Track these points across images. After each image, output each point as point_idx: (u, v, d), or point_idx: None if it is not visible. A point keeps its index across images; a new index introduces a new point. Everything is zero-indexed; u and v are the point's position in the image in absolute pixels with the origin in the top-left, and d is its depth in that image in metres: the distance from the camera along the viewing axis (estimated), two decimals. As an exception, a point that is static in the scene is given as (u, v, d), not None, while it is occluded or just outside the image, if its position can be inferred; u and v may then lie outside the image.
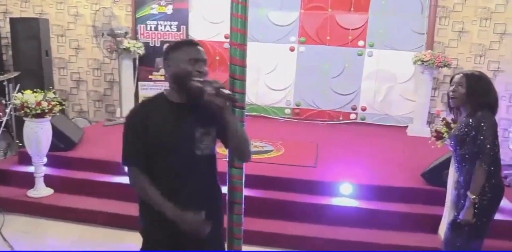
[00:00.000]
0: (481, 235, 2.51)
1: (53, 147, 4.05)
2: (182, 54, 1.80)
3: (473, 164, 2.40)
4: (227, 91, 1.78)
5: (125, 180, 3.96)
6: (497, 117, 6.05)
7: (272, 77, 6.36)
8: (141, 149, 1.78)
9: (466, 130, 2.40)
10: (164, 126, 1.78)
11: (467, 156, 2.44)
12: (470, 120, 2.39)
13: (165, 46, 1.91)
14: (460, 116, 2.54)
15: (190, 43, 1.86)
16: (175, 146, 1.79)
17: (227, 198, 2.21)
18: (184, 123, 1.79)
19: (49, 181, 4.01)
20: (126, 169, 1.84)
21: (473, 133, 2.36)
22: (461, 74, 2.48)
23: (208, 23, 6.36)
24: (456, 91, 2.45)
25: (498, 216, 3.53)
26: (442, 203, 3.40)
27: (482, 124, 2.34)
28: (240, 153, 1.95)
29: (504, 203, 3.76)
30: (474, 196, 2.37)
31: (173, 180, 1.81)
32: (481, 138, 2.33)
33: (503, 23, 5.62)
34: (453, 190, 2.72)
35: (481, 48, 5.75)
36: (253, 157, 4.79)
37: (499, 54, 5.68)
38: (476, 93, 2.40)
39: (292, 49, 6.28)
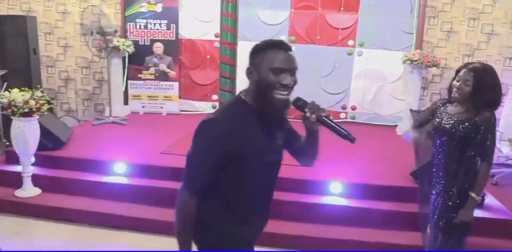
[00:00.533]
0: (468, 233, 2.52)
1: (41, 146, 4.01)
2: (266, 61, 1.57)
3: (470, 164, 2.35)
4: (329, 119, 1.65)
5: (114, 179, 3.95)
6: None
7: (262, 76, 6.35)
8: (213, 178, 1.57)
9: (469, 130, 2.31)
10: (261, 140, 1.61)
11: (468, 156, 2.35)
12: (477, 120, 2.30)
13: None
14: (455, 107, 2.43)
15: (278, 47, 1.59)
16: (267, 159, 1.68)
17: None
18: (272, 136, 1.68)
19: (37, 180, 3.96)
20: (182, 192, 1.58)
21: (480, 133, 2.29)
22: (469, 70, 2.33)
23: (198, 22, 6.34)
24: (461, 89, 2.32)
25: (483, 214, 3.61)
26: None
27: (490, 126, 2.30)
28: (312, 159, 1.97)
29: (490, 200, 3.83)
30: (479, 197, 2.37)
31: (256, 193, 1.73)
32: (489, 139, 2.30)
33: (490, 23, 5.69)
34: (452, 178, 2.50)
35: (469, 48, 5.81)
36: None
37: (487, 54, 5.75)
38: (482, 93, 2.29)
39: (282, 48, 6.28)
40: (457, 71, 2.40)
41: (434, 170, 2.53)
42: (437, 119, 2.47)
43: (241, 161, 1.55)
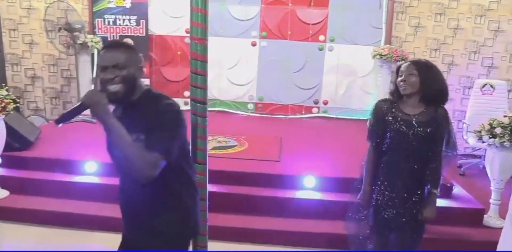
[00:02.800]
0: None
1: (8, 147, 3.89)
2: (98, 61, 1.80)
3: (427, 161, 2.37)
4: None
5: (84, 178, 3.89)
6: (451, 109, 6.28)
7: (234, 72, 6.34)
8: None
9: (434, 129, 2.32)
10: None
11: (430, 154, 2.37)
12: (437, 117, 2.33)
13: None
14: (411, 108, 2.37)
15: (106, 47, 1.78)
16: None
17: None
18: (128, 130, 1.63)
19: (4, 182, 3.85)
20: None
21: (442, 130, 2.33)
22: (409, 63, 2.35)
23: (169, 18, 6.25)
24: (408, 81, 2.31)
25: (452, 204, 3.71)
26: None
27: (448, 120, 2.36)
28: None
29: (458, 190, 3.95)
30: (439, 192, 2.41)
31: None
32: (451, 134, 2.37)
33: (456, 18, 5.83)
34: (377, 193, 2.46)
35: (436, 42, 5.95)
36: (217, 152, 4.80)
37: (453, 48, 5.89)
38: (428, 81, 2.31)
39: (254, 44, 6.28)
40: (398, 69, 2.39)
41: (387, 171, 2.45)
42: (394, 122, 2.36)
43: None
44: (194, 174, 1.95)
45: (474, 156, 5.40)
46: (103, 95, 1.62)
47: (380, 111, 2.41)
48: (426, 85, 2.30)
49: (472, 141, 4.73)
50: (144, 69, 1.80)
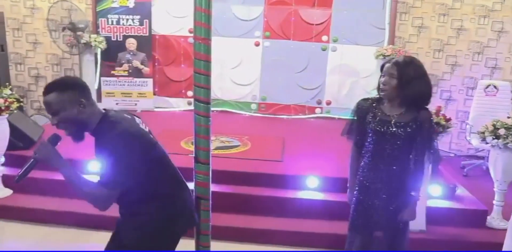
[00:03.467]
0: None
1: (11, 146, 3.91)
2: None
3: (407, 163, 2.31)
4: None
5: (88, 178, 3.90)
6: (454, 110, 6.24)
7: (238, 72, 6.34)
8: None
9: (414, 131, 2.26)
10: None
11: (410, 156, 2.32)
12: (418, 120, 2.25)
13: None
14: (391, 107, 2.32)
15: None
16: None
17: (194, 193, 2.20)
18: None
19: (7, 181, 3.86)
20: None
21: (423, 132, 2.26)
22: (392, 64, 2.25)
23: (172, 17, 6.26)
24: (387, 83, 2.25)
25: (454, 205, 3.70)
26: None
27: (431, 123, 2.31)
28: None
29: (461, 191, 3.94)
30: (418, 196, 2.35)
31: None
32: (431, 136, 2.32)
33: (459, 19, 5.81)
34: (358, 193, 2.44)
35: (439, 43, 5.93)
36: (220, 152, 4.81)
37: (456, 49, 5.88)
38: (408, 85, 2.20)
39: (257, 44, 6.28)
40: (382, 67, 2.32)
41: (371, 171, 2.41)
42: (373, 122, 2.33)
43: None
44: (173, 176, 2.01)
45: (477, 157, 5.38)
46: (53, 149, 1.77)
47: (361, 110, 2.41)
48: (405, 88, 2.20)
49: (475, 142, 4.71)
50: (81, 101, 1.79)
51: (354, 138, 2.45)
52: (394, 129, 2.26)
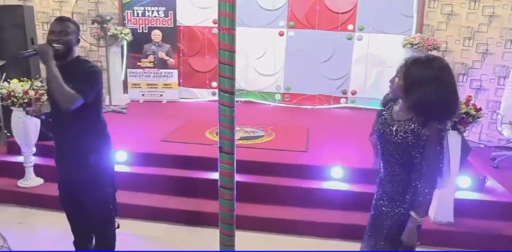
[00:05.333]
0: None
1: (42, 136, 4.01)
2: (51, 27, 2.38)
3: (410, 173, 2.01)
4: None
5: (115, 168, 3.97)
6: (485, 99, 6.04)
7: (262, 62, 6.32)
8: None
9: (412, 142, 1.95)
10: None
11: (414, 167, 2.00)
12: (422, 132, 1.92)
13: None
14: (400, 112, 2.04)
15: (57, 19, 2.40)
16: None
17: (218, 183, 2.21)
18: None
19: (39, 170, 3.98)
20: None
21: (423, 147, 1.93)
22: (404, 62, 1.96)
23: (196, 8, 6.27)
24: (393, 83, 2.01)
25: (485, 197, 3.62)
26: (431, 185, 3.44)
27: (435, 139, 1.92)
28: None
29: (491, 183, 3.85)
30: (421, 218, 1.99)
31: None
32: (433, 154, 1.93)
33: (491, 5, 5.61)
34: (394, 191, 2.11)
35: (469, 30, 5.75)
36: (244, 142, 4.82)
37: (488, 37, 5.69)
38: (411, 88, 1.90)
39: (281, 34, 6.23)
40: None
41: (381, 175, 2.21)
42: (380, 122, 2.11)
43: None
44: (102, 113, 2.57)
45: (509, 148, 5.23)
46: (50, 48, 2.21)
47: (383, 105, 2.20)
48: (409, 92, 1.91)
49: (506, 132, 4.58)
50: (79, 39, 2.43)
51: (372, 133, 2.24)
52: (393, 135, 1.99)
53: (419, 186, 1.96)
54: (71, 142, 2.43)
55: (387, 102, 2.16)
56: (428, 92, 1.85)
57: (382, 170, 2.18)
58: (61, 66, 2.27)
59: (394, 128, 2.00)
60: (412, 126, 1.94)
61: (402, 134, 1.96)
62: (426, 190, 1.96)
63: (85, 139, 2.42)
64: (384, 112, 2.13)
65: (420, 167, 1.95)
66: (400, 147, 1.98)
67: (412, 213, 1.99)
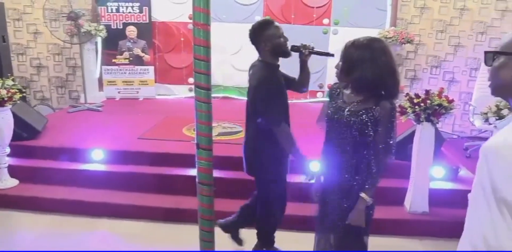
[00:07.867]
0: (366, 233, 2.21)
1: (16, 136, 3.93)
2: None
3: (359, 158, 2.05)
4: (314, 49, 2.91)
5: (91, 166, 3.90)
6: (458, 91, 6.16)
7: (238, 57, 6.31)
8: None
9: (366, 122, 1.99)
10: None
11: (363, 150, 2.05)
12: (375, 111, 1.98)
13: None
14: (350, 94, 2.09)
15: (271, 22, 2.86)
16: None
17: (196, 179, 2.21)
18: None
19: (13, 171, 3.90)
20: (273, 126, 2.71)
21: (377, 125, 1.98)
22: (345, 45, 2.06)
23: (172, 4, 6.21)
24: (337, 66, 2.11)
25: (458, 186, 3.71)
26: (407, 176, 3.51)
27: (388, 117, 1.98)
28: (306, 84, 3.09)
29: (464, 173, 3.94)
30: (370, 199, 2.04)
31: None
32: (388, 131, 2.00)
33: (462, -1, 5.74)
34: (346, 174, 2.10)
35: (442, 24, 5.86)
36: (223, 138, 4.80)
37: (459, 30, 5.82)
38: (351, 69, 1.98)
39: (257, 29, 6.22)
40: None
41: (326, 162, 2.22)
42: (331, 107, 2.14)
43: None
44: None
45: (481, 138, 5.37)
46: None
47: (330, 94, 2.24)
48: (350, 73, 1.99)
49: (478, 123, 4.70)
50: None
51: (318, 123, 2.29)
52: (345, 118, 2.02)
53: (372, 167, 2.03)
54: None
55: (336, 89, 2.21)
56: (364, 70, 1.94)
57: (329, 157, 2.17)
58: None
59: (347, 109, 2.05)
60: (365, 105, 2.01)
61: (355, 113, 2.01)
62: (377, 171, 2.03)
63: None
64: (333, 100, 2.17)
65: (373, 145, 2.01)
66: (353, 126, 2.01)
67: (362, 194, 2.04)
